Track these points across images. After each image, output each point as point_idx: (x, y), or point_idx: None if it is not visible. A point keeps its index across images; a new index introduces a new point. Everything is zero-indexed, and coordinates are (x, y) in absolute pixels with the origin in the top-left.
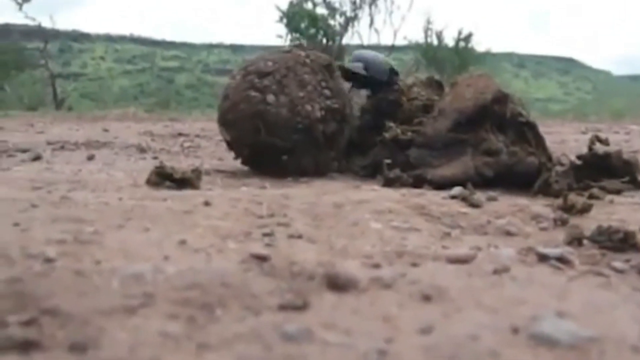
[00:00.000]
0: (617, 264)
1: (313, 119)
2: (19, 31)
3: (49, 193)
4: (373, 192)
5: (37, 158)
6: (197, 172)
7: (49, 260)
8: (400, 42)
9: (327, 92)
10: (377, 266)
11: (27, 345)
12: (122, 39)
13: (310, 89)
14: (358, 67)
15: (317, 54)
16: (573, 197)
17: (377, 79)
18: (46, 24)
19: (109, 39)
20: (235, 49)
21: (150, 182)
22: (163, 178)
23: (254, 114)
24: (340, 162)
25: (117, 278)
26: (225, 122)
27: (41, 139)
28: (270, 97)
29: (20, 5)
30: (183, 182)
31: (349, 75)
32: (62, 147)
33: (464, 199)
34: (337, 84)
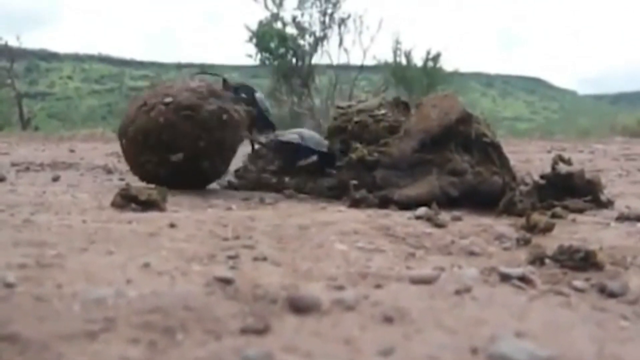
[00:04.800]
0: (578, 283)
1: None
2: None
3: (12, 216)
4: (339, 214)
5: (0, 180)
6: (163, 194)
7: (9, 285)
8: (369, 61)
9: None
10: (340, 288)
11: None
12: (90, 58)
13: None
14: (294, 137)
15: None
16: (536, 217)
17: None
18: (13, 43)
19: (77, 58)
20: (205, 68)
21: (115, 204)
22: (128, 200)
23: None
24: (307, 183)
25: (79, 302)
26: None
27: (6, 160)
28: None
29: None
30: (148, 203)
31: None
32: (27, 169)
33: (429, 219)
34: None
